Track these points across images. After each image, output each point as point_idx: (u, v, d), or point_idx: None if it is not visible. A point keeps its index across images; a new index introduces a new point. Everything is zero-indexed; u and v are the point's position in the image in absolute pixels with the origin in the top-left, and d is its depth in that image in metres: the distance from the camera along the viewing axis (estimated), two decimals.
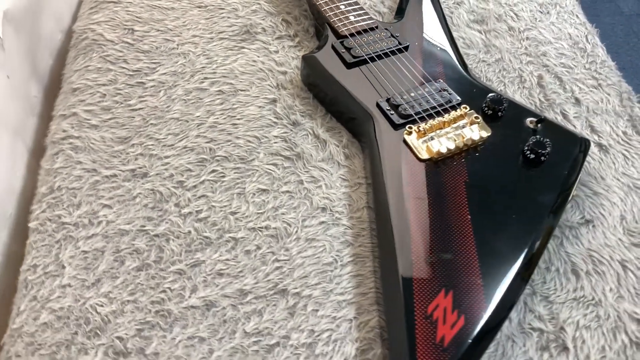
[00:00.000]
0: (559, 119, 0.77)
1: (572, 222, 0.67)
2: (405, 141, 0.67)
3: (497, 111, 0.70)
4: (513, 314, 0.60)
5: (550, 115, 0.77)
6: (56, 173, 0.68)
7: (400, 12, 0.84)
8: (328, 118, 0.75)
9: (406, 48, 0.77)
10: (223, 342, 0.57)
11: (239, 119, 0.74)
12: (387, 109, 0.70)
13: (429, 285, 0.56)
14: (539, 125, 0.69)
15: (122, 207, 0.66)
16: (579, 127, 0.76)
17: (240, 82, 0.78)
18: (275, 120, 0.74)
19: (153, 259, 0.62)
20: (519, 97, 0.79)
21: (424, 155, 0.66)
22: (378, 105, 0.70)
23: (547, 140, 0.66)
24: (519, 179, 0.64)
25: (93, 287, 0.60)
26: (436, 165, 0.65)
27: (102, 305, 0.58)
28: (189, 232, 0.64)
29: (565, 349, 0.58)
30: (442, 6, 0.88)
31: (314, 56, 0.76)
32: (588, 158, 0.73)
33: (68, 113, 0.74)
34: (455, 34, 0.86)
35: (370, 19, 0.80)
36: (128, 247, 0.63)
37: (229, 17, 0.86)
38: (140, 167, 0.69)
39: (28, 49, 0.79)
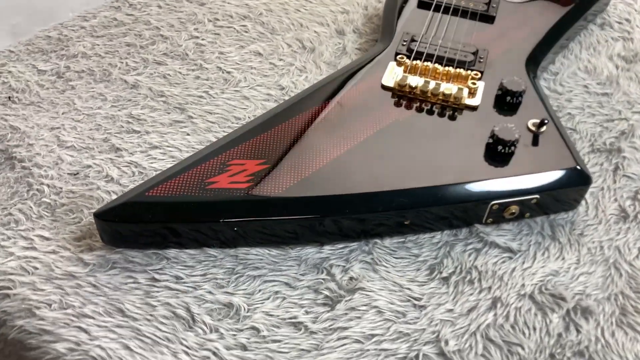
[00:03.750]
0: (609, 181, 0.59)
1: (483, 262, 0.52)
2: (387, 66, 0.62)
3: (507, 95, 0.58)
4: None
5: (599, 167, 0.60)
6: (113, 17, 0.79)
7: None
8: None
9: (489, 18, 0.69)
10: (112, 110, 0.64)
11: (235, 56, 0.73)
12: (404, 40, 0.65)
13: (256, 148, 0.53)
14: (541, 128, 0.55)
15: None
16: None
17: (275, 39, 0.76)
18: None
19: (143, 44, 0.72)
20: (581, 126, 0.63)
21: (389, 82, 0.60)
22: (402, 35, 0.66)
23: (519, 136, 0.53)
24: (451, 155, 0.53)
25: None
26: (390, 95, 0.59)
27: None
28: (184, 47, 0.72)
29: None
30: (600, 31, 0.75)
31: None
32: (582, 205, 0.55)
33: None
34: (585, 56, 0.73)
35: None
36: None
37: (336, 14, 0.80)
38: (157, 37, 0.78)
39: None
